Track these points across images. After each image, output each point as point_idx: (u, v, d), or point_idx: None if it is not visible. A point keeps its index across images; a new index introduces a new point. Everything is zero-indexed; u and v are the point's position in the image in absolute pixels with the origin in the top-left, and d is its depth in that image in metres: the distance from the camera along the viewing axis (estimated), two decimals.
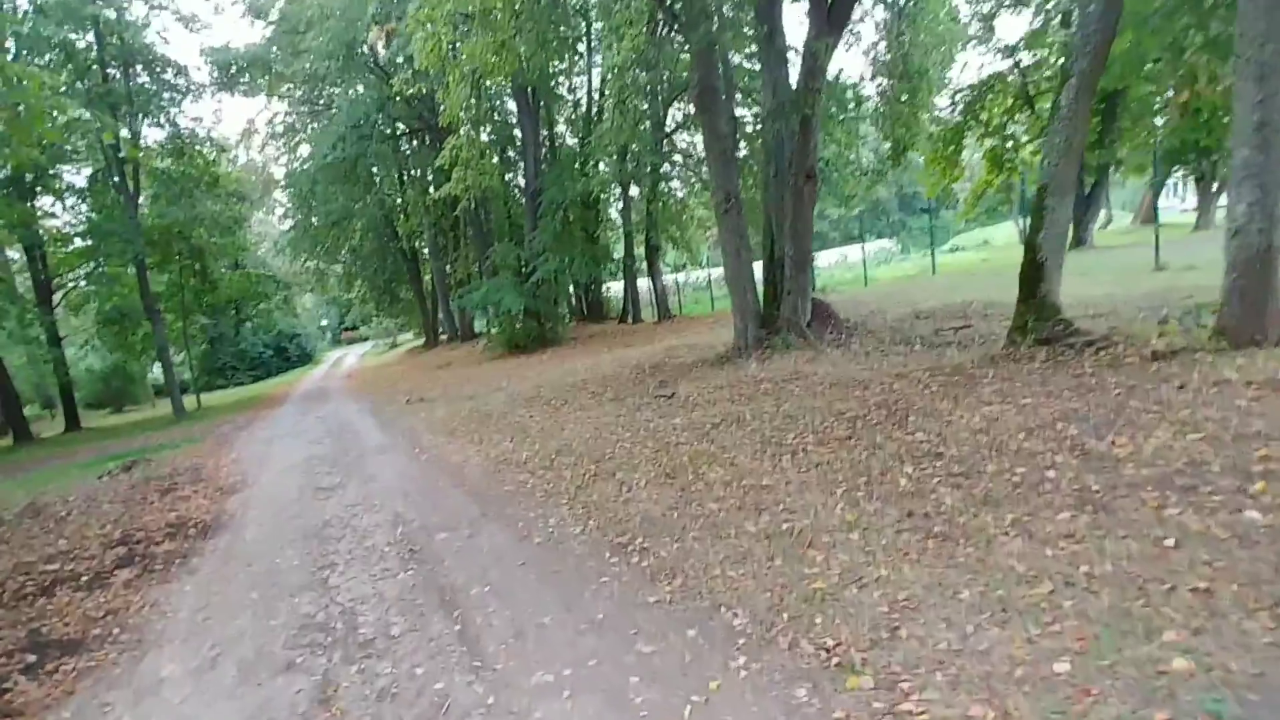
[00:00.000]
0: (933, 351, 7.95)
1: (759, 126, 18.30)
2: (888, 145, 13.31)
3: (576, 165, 19.98)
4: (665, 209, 21.65)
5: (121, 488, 9.49)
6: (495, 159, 14.52)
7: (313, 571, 4.87)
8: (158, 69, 19.47)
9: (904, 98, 9.35)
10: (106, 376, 34.80)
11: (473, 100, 10.55)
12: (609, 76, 9.46)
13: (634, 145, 16.97)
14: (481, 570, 4.30)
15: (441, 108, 11.55)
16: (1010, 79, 21.92)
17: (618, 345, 17.25)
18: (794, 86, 9.48)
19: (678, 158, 23.09)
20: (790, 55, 10.37)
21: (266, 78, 24.90)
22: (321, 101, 27.40)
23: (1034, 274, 6.38)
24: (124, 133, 19.33)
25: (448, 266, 29.63)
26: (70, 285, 21.71)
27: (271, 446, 11.60)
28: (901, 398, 5.78)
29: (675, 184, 24.06)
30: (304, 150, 27.28)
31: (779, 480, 4.53)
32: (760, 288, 10.44)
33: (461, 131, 10.77)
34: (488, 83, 13.63)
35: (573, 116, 26.05)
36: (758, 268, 10.60)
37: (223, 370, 41.25)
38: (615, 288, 29.72)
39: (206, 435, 14.59)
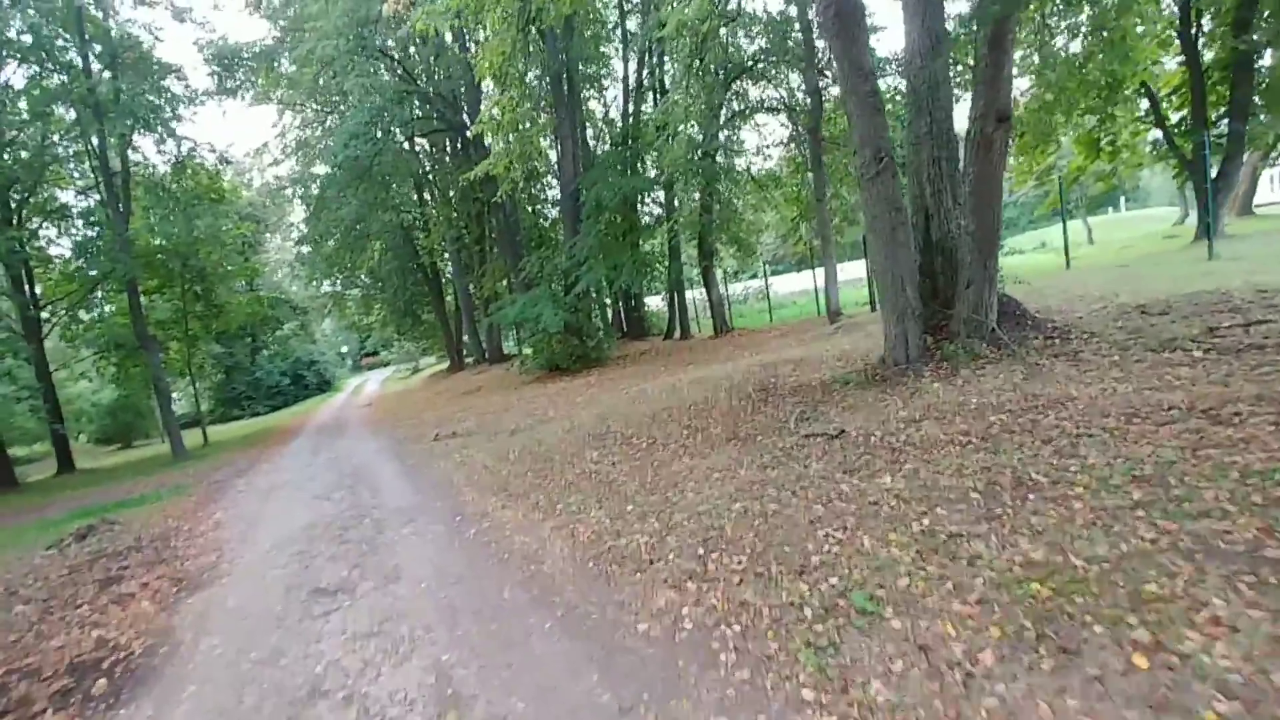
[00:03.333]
0: (1242, 358, 5.17)
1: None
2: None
3: (620, 164, 17.49)
4: (723, 210, 19.01)
5: (56, 571, 6.93)
6: (533, 138, 11.97)
7: None
8: (152, 68, 17.29)
9: (1112, 20, 6.66)
10: (114, 410, 32.74)
11: (518, 50, 8.03)
12: (683, 35, 6.90)
13: (694, 128, 14.43)
14: None
15: (475, 60, 9.04)
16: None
17: (678, 364, 14.58)
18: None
19: (722, 158, 20.52)
20: None
21: (278, 89, 22.85)
22: (333, 114, 25.36)
23: None
24: (112, 141, 17.19)
25: (472, 285, 27.28)
26: (63, 313, 19.59)
27: (267, 503, 9.02)
28: None
29: (722, 187, 21.51)
30: (319, 169, 25.33)
31: None
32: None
33: (499, 91, 8.29)
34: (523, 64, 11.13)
35: (607, 117, 23.81)
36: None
37: (238, 400, 39.41)
38: (652, 301, 27.09)
39: (199, 483, 12.16)
